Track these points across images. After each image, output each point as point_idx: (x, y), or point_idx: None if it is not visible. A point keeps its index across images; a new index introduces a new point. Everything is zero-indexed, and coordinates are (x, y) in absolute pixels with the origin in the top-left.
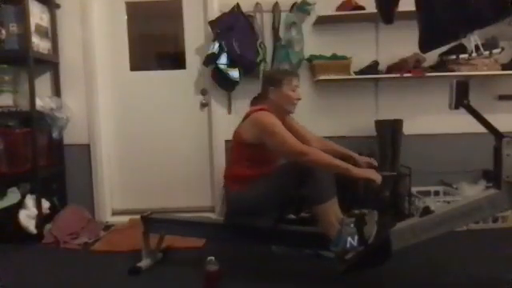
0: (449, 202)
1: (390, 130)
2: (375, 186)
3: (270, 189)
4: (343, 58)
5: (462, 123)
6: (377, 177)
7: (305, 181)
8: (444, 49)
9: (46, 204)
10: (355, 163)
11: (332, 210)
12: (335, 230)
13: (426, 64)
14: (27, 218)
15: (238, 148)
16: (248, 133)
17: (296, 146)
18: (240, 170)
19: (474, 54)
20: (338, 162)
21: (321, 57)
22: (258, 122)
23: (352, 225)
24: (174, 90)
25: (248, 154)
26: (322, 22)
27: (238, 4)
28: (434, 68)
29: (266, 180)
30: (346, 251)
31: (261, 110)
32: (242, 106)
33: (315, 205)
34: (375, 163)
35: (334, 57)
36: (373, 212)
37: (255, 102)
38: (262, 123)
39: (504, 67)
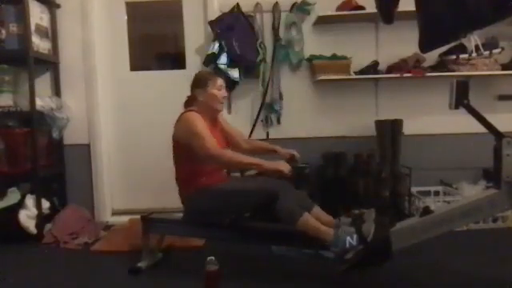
0: (449, 202)
1: (389, 130)
2: (285, 176)
3: (229, 201)
4: (343, 58)
5: (462, 123)
6: (285, 167)
7: (272, 207)
8: (444, 49)
9: (46, 204)
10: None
11: (311, 221)
12: (327, 233)
13: (425, 64)
14: (27, 218)
15: (174, 150)
16: (178, 134)
17: (210, 149)
18: (181, 172)
19: (473, 54)
20: (249, 160)
21: (321, 57)
22: (184, 124)
23: (349, 224)
24: (174, 90)
25: (183, 154)
26: (322, 22)
27: (237, 4)
28: (434, 68)
29: (229, 192)
30: (345, 251)
31: (189, 111)
32: (242, 105)
33: (292, 226)
34: (297, 154)
35: (334, 57)
36: (371, 210)
37: (186, 104)
38: (187, 124)
39: (504, 67)
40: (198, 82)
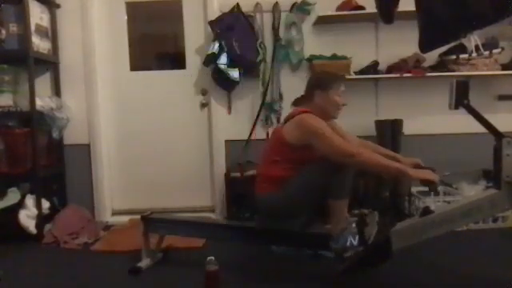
0: (449, 202)
1: (389, 130)
2: (433, 187)
3: (302, 187)
4: (343, 58)
5: (462, 123)
6: (435, 177)
7: (332, 174)
8: (444, 49)
9: (46, 204)
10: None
11: (345, 208)
12: (339, 227)
13: (425, 64)
14: (27, 218)
15: (279, 149)
16: (292, 134)
17: (346, 147)
18: (278, 172)
19: (474, 54)
20: (388, 162)
21: (321, 57)
22: (304, 124)
23: (354, 224)
24: (174, 89)
25: (290, 155)
26: (322, 22)
27: (237, 4)
28: (434, 68)
29: (298, 179)
30: (345, 249)
31: (305, 112)
32: (242, 105)
33: (334, 199)
34: (422, 163)
35: (334, 57)
36: (373, 213)
37: (298, 103)
38: (308, 125)
39: (504, 67)
40: (320, 83)
